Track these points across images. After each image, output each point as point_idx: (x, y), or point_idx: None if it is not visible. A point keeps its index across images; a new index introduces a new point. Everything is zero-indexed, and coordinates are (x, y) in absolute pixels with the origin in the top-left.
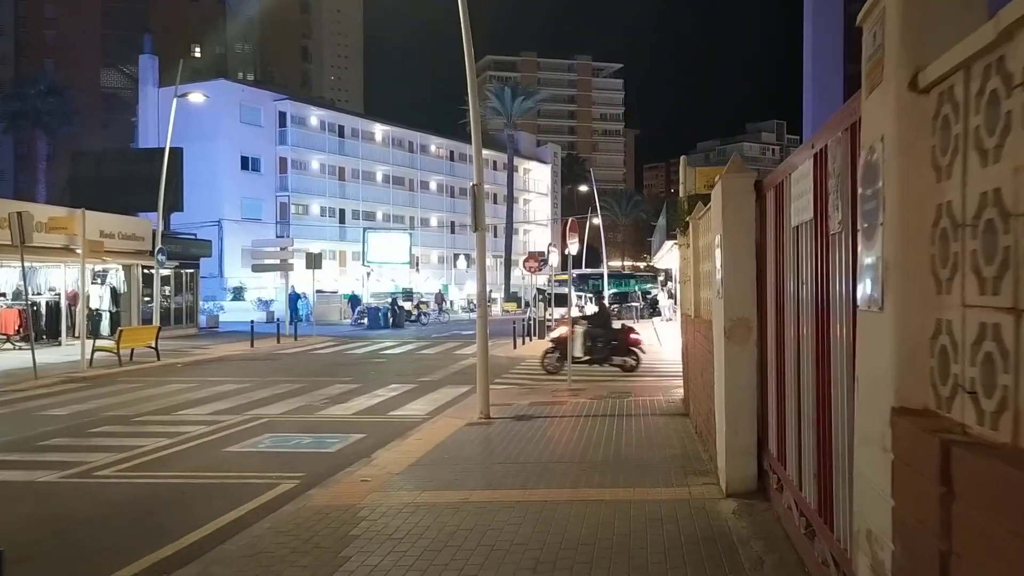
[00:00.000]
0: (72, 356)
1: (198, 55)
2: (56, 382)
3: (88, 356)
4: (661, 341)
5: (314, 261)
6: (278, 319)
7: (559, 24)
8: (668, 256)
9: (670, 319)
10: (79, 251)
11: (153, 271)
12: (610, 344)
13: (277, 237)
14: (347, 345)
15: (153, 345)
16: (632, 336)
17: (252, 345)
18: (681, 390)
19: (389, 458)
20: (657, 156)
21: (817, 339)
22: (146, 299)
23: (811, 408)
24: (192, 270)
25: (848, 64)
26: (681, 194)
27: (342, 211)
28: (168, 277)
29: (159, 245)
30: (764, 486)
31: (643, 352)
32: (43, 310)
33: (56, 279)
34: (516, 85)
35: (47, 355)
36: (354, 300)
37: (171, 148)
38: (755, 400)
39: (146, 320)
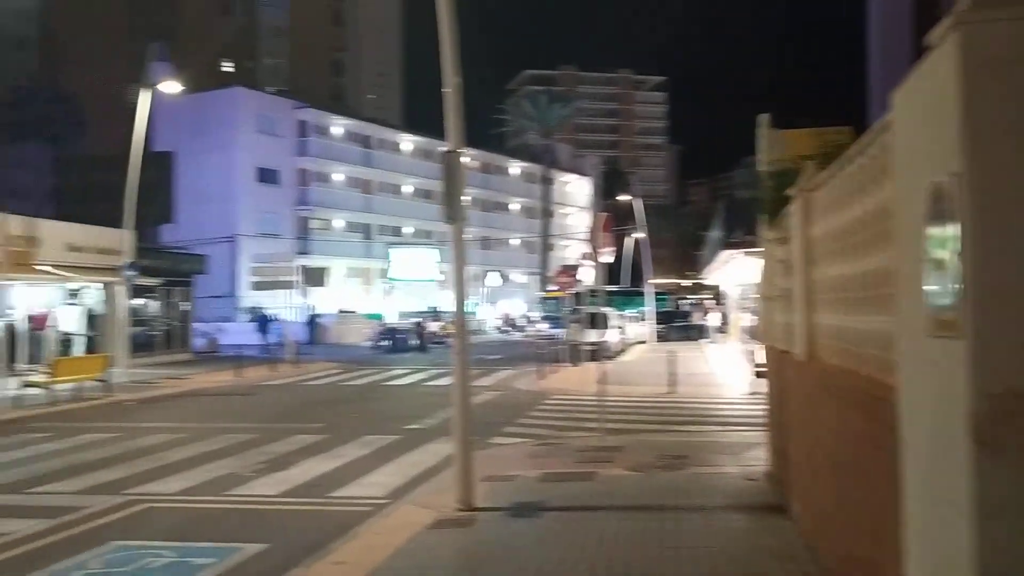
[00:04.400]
0: (12, 391)
1: (230, 68)
2: None
3: (14, 393)
4: (715, 370)
5: (315, 277)
6: (271, 344)
7: (600, 38)
8: (726, 269)
9: (716, 342)
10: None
11: (150, 288)
12: None
13: (299, 254)
14: (351, 373)
15: (102, 377)
16: None
17: (238, 374)
18: (759, 451)
19: None
20: (701, 171)
21: None
22: (137, 320)
23: None
24: (184, 288)
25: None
26: (760, 167)
27: (367, 226)
28: (154, 296)
29: (129, 260)
30: None
31: None
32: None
33: (16, 299)
34: (553, 94)
35: None
36: (376, 320)
37: (159, 153)
38: None
39: (141, 345)
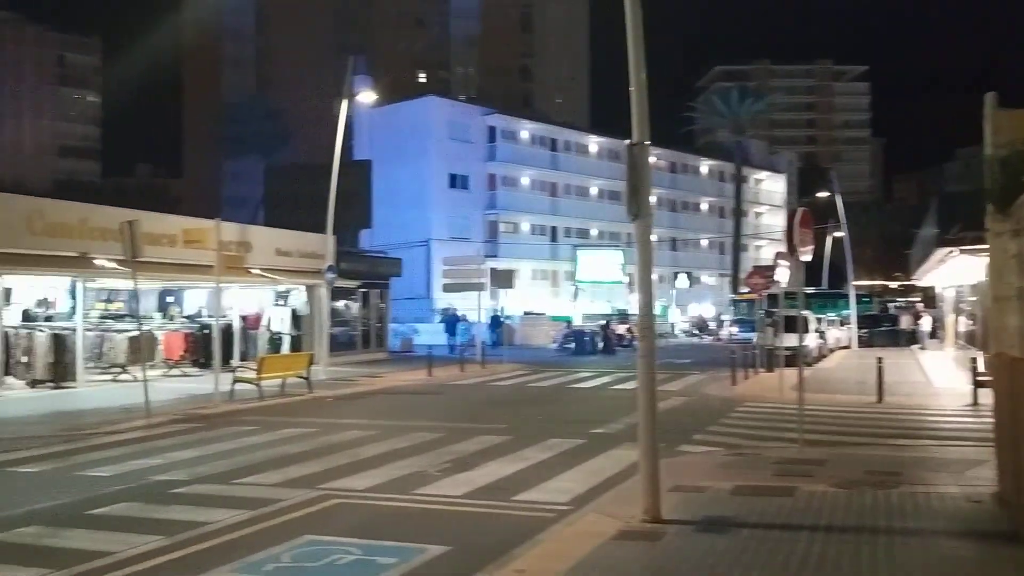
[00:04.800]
0: (228, 386)
1: (423, 80)
2: (166, 421)
3: (229, 388)
4: (928, 379)
5: (503, 279)
6: (461, 344)
7: (796, 29)
8: (940, 268)
9: (929, 348)
10: (252, 268)
11: (350, 290)
12: None
13: (486, 256)
14: (538, 375)
15: (304, 375)
16: None
17: (430, 374)
18: (984, 470)
19: None
20: (907, 165)
21: None
22: (337, 321)
23: None
24: (381, 290)
25: None
26: (988, 151)
27: (554, 228)
28: (353, 298)
29: (329, 263)
30: None
31: None
32: (216, 333)
33: (231, 300)
34: (745, 88)
35: (201, 383)
36: (562, 322)
37: (358, 161)
38: None
39: (343, 344)
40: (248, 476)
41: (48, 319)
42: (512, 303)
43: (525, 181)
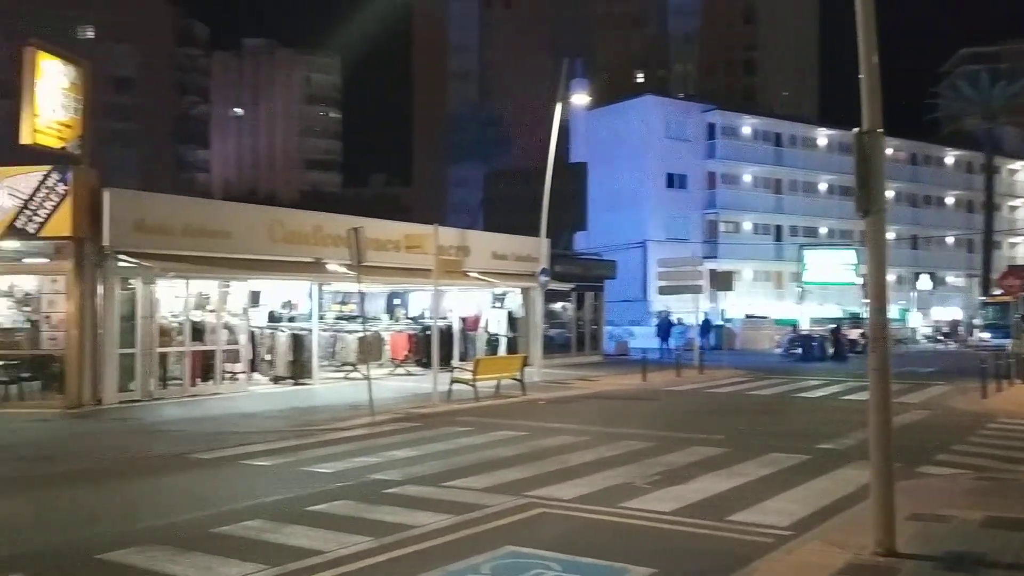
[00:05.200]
0: (446, 387)
1: (641, 80)
2: (388, 419)
3: (446, 388)
4: None
5: (722, 281)
6: (677, 348)
7: None
8: None
9: None
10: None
11: (564, 292)
12: None
13: (705, 257)
14: (759, 382)
15: (518, 377)
16: None
17: (644, 378)
18: None
19: None
20: None
21: None
22: (552, 323)
23: None
24: (595, 292)
25: None
26: None
27: (778, 227)
28: (568, 300)
29: (543, 266)
30: None
31: None
32: (435, 335)
33: (451, 302)
34: (996, 70)
35: (423, 383)
36: (787, 326)
37: (573, 164)
38: None
39: (558, 346)
40: (458, 479)
41: (291, 320)
42: (733, 306)
43: (747, 178)
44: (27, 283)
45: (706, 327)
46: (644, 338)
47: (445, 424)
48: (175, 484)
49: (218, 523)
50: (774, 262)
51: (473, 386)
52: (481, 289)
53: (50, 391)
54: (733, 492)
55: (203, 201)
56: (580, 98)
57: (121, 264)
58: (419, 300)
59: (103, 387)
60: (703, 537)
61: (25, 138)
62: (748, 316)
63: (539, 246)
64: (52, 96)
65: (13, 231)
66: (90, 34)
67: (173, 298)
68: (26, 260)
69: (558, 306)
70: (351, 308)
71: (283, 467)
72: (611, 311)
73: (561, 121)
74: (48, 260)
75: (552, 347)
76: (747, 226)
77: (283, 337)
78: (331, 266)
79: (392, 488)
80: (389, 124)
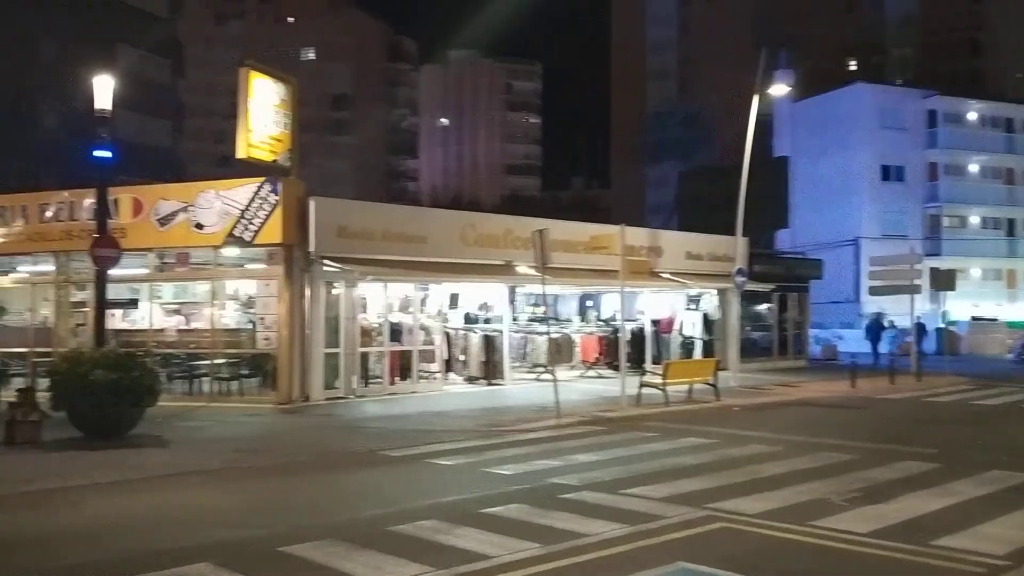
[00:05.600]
0: (634, 390)
1: (853, 67)
2: (574, 422)
3: (635, 392)
4: None
5: (944, 280)
6: (890, 353)
7: None
8: None
9: None
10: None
11: (765, 293)
12: None
13: (927, 255)
14: (986, 391)
15: (711, 381)
16: None
17: (852, 385)
18: None
19: None
20: None
21: None
22: (753, 326)
23: None
24: (799, 293)
25: None
26: None
27: (1010, 221)
28: (769, 302)
29: (739, 266)
30: None
31: None
32: (622, 337)
33: (644, 304)
34: None
35: (613, 386)
36: (1021, 329)
37: (774, 159)
38: None
39: (759, 350)
40: (637, 486)
41: (487, 321)
42: (958, 308)
43: (973, 168)
44: (248, 287)
45: (921, 330)
46: (854, 342)
47: (631, 429)
48: (363, 480)
49: (395, 521)
50: (1006, 259)
51: (663, 390)
52: (674, 290)
53: (266, 388)
54: (943, 513)
55: (400, 207)
56: (779, 88)
57: (325, 268)
58: (611, 302)
59: (310, 385)
60: (903, 564)
61: (240, 152)
62: (975, 319)
63: (736, 245)
64: (264, 112)
65: (232, 239)
66: (311, 56)
67: (373, 299)
68: (248, 266)
69: (759, 308)
70: (544, 310)
71: (465, 467)
72: (818, 313)
73: (764, 115)
74: (263, 265)
75: (752, 351)
76: (974, 220)
77: (476, 338)
78: (520, 268)
79: (568, 493)
80: (588, 127)
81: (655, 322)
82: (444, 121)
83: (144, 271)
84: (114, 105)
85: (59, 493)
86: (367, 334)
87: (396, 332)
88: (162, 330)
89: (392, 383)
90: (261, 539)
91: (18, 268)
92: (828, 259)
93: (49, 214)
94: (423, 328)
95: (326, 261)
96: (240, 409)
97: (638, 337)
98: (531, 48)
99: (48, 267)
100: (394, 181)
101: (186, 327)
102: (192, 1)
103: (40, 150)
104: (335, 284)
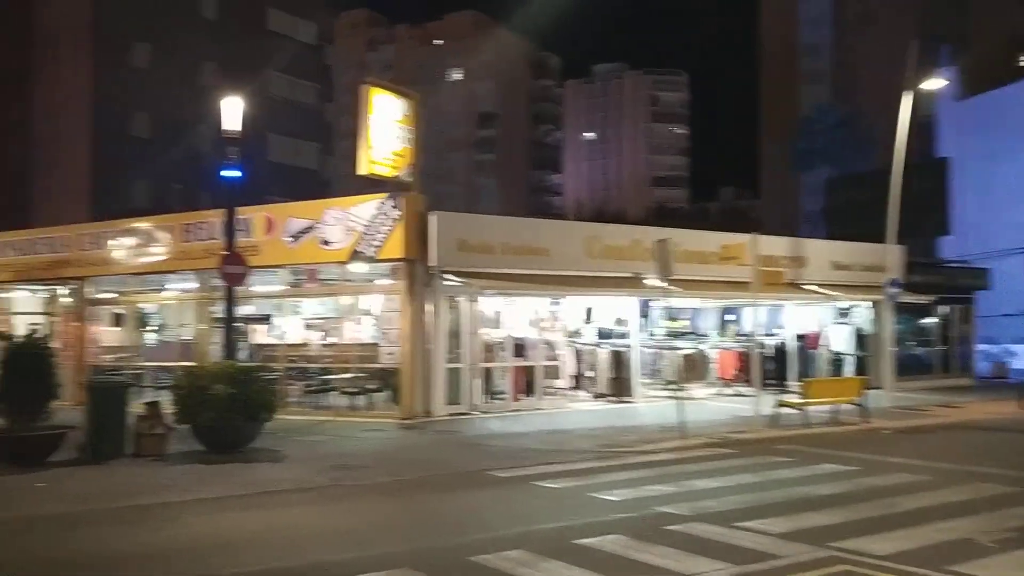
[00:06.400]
0: (771, 410)
1: None
2: (699, 444)
3: (772, 412)
4: None
5: None
6: None
7: None
8: None
9: None
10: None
11: (924, 306)
12: None
13: None
14: None
15: (858, 401)
16: None
17: (1021, 406)
18: None
19: None
20: None
21: None
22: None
23: None
24: (964, 305)
25: None
26: None
27: None
28: (931, 315)
29: (892, 276)
30: None
31: None
32: (755, 352)
33: (787, 317)
34: None
35: (749, 405)
36: None
37: (932, 160)
38: None
39: (912, 367)
40: (754, 519)
41: (622, 336)
42: None
43: None
44: (375, 302)
45: None
46: None
47: (763, 453)
48: (461, 503)
49: (479, 550)
50: None
51: (802, 411)
52: (821, 303)
53: (393, 403)
54: None
55: (520, 219)
56: (935, 83)
57: (446, 283)
58: (754, 315)
59: (432, 400)
60: None
61: (361, 169)
62: None
63: (888, 254)
64: (386, 128)
65: (356, 255)
66: (458, 76)
67: (495, 313)
68: (376, 281)
69: (923, 321)
70: (683, 324)
71: (571, 491)
72: (988, 327)
73: (925, 115)
74: (387, 280)
75: (911, 368)
76: None
77: (603, 354)
78: (648, 281)
79: (675, 524)
80: (737, 136)
81: (800, 337)
82: (589, 135)
83: (280, 287)
84: (266, 129)
85: (157, 508)
86: (490, 349)
87: (520, 347)
88: (303, 344)
89: (516, 399)
90: (326, 565)
91: (167, 286)
92: (1001, 268)
93: (192, 234)
94: (547, 343)
95: (447, 275)
96: (364, 424)
97: (781, 353)
98: (677, 58)
99: (192, 284)
100: (538, 196)
101: (322, 341)
102: (344, 29)
103: (199, 174)
104: (457, 298)
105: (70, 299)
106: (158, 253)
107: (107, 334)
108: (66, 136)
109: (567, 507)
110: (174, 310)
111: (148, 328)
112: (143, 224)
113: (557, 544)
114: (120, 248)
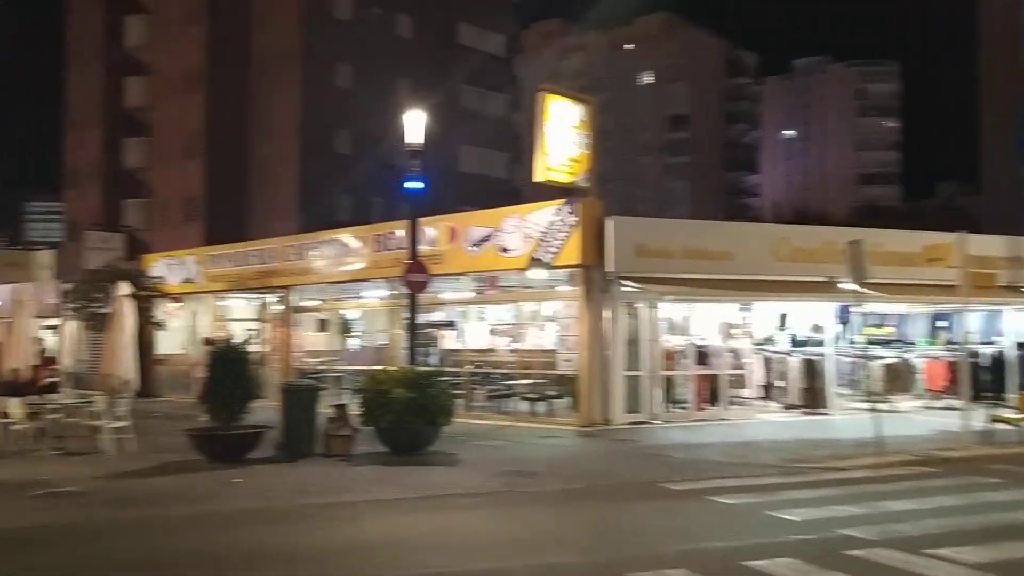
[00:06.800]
0: (983, 425)
1: None
2: (897, 462)
3: (985, 428)
4: None
5: None
6: None
7: None
8: None
9: None
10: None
11: None
12: None
13: None
14: None
15: None
16: None
17: None
18: None
19: None
20: None
21: None
22: None
23: None
24: None
25: None
26: None
27: None
28: None
29: None
30: None
31: None
32: (963, 361)
33: (1006, 324)
34: None
35: (957, 419)
36: None
37: None
38: None
39: None
40: (948, 546)
41: (818, 344)
42: None
43: None
44: (554, 309)
45: None
46: None
47: (969, 473)
48: (627, 515)
49: (635, 567)
50: None
51: (1020, 427)
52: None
53: (573, 410)
54: None
55: (700, 222)
56: None
57: (624, 288)
58: (970, 321)
59: (611, 408)
60: None
61: (537, 176)
62: None
63: None
64: (562, 134)
65: (533, 262)
66: (649, 80)
67: (682, 319)
68: (556, 288)
69: None
70: (888, 331)
71: (746, 508)
72: None
73: None
74: (565, 287)
75: None
76: None
77: (794, 362)
78: (843, 285)
79: (857, 549)
80: (955, 128)
81: (1021, 345)
82: (790, 133)
83: (465, 294)
84: (457, 141)
85: (337, 508)
86: (670, 356)
87: (703, 355)
88: (489, 350)
89: (699, 409)
90: (488, 572)
91: (362, 294)
92: None
93: (382, 244)
94: (732, 351)
95: (624, 281)
96: (542, 430)
97: (999, 363)
98: (886, 48)
99: (384, 292)
100: (733, 198)
101: (507, 347)
102: (536, 40)
103: (395, 187)
104: (635, 304)
105: (279, 306)
106: (353, 262)
107: (311, 339)
108: (277, 154)
109: (740, 525)
110: (372, 316)
111: (349, 334)
112: (339, 235)
113: (722, 565)
114: (319, 258)
